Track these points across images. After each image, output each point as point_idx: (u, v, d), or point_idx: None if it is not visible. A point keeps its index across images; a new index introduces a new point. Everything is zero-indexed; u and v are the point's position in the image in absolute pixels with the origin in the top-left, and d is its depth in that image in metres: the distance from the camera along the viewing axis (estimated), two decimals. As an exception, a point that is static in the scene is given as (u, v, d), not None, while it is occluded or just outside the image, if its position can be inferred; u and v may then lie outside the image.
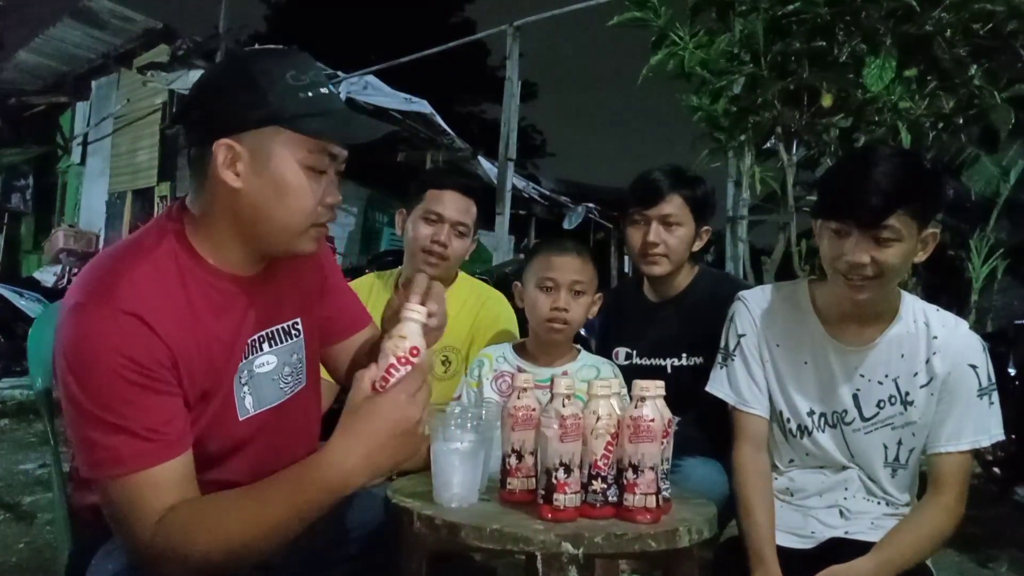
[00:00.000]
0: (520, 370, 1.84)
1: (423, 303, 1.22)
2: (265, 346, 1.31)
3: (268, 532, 1.10)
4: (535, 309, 1.82)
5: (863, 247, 1.50)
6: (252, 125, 1.16)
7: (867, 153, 1.55)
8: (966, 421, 1.60)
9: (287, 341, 1.36)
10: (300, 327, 1.39)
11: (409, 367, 1.14)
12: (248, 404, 1.28)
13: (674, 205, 2.04)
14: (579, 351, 1.90)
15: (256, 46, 10.23)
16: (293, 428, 1.38)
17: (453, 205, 2.09)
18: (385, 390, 1.13)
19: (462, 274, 2.26)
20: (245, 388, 1.28)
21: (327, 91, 1.21)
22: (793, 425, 1.69)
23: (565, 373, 1.83)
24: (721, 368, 1.76)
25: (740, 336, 1.73)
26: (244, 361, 1.27)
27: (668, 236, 2.04)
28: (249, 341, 1.28)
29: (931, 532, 1.57)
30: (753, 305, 1.74)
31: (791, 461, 1.73)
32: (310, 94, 1.18)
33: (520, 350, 1.89)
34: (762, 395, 1.71)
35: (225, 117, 1.17)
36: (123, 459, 1.09)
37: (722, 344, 1.77)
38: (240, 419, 1.27)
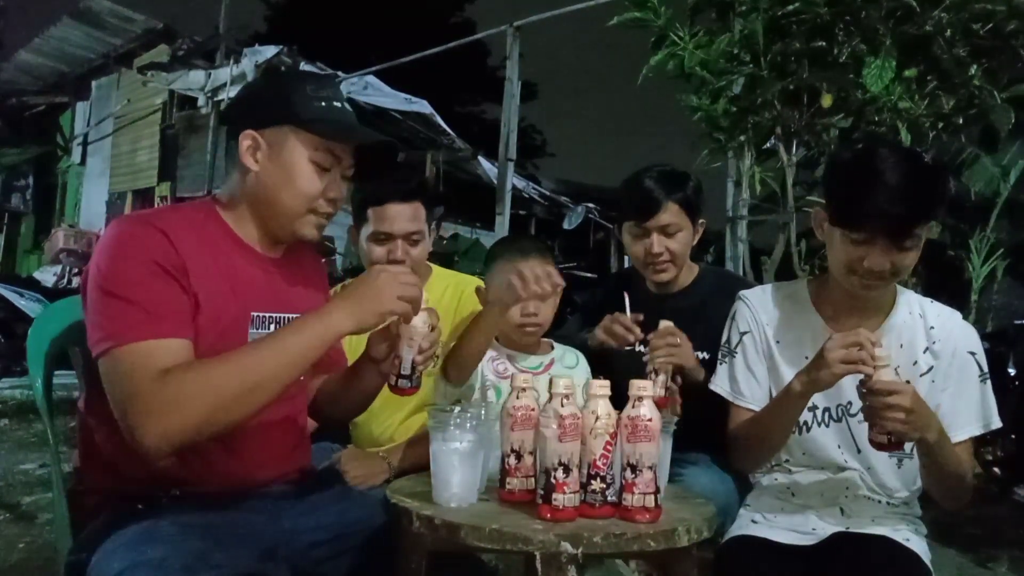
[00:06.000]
0: (510, 359, 1.91)
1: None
2: (273, 327, 1.44)
3: (256, 379, 1.24)
4: (505, 317, 1.84)
5: (884, 253, 1.52)
6: (273, 122, 1.42)
7: (874, 157, 1.53)
8: (973, 407, 1.63)
9: None
10: None
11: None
12: None
13: (671, 213, 2.04)
14: (550, 342, 1.97)
15: (257, 46, 10.27)
16: (283, 410, 1.48)
17: (398, 217, 2.02)
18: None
19: (435, 268, 2.23)
20: None
21: (340, 106, 1.46)
22: None
23: (553, 363, 1.92)
24: (721, 364, 1.79)
25: (743, 333, 1.76)
26: (255, 331, 1.42)
27: (670, 243, 2.05)
28: (257, 314, 1.43)
29: (961, 462, 1.57)
30: (754, 303, 1.77)
31: (786, 460, 1.73)
32: (323, 104, 1.43)
33: (499, 341, 1.94)
34: (760, 391, 1.73)
35: (254, 114, 1.44)
36: (126, 329, 1.23)
37: (724, 340, 1.80)
38: None
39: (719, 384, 1.77)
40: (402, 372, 1.43)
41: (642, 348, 2.10)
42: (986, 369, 1.64)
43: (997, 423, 1.63)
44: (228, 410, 1.22)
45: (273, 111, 1.42)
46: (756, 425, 1.68)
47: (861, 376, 1.46)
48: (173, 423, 1.19)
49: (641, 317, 1.92)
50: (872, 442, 1.47)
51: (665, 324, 1.85)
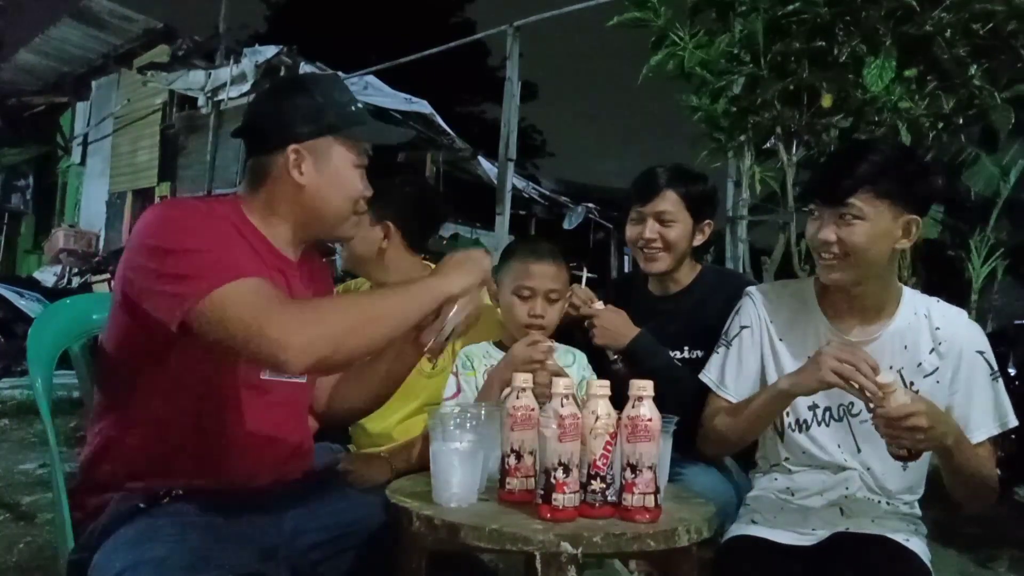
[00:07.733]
0: None
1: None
2: None
3: (378, 313, 1.29)
4: (512, 315, 1.86)
5: (828, 225, 1.57)
6: (317, 134, 1.44)
7: (852, 141, 1.60)
8: (988, 407, 1.63)
9: None
10: None
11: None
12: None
13: (669, 201, 2.06)
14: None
15: (257, 46, 10.27)
16: (289, 411, 1.50)
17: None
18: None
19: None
20: None
21: (361, 106, 1.52)
22: (791, 419, 1.70)
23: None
24: (716, 353, 1.80)
25: (743, 327, 1.77)
26: None
27: (664, 231, 2.07)
28: None
29: (982, 463, 1.59)
30: (760, 299, 1.78)
31: (786, 460, 1.73)
32: (353, 109, 1.49)
33: (500, 347, 1.93)
34: (745, 385, 1.74)
35: (296, 128, 1.43)
36: (217, 273, 1.21)
37: (724, 330, 1.82)
38: (261, 376, 1.42)
39: (708, 372, 1.79)
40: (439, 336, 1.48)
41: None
42: (996, 367, 1.64)
43: (1014, 421, 1.62)
44: (357, 333, 1.25)
45: (316, 123, 1.43)
46: (734, 414, 1.69)
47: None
48: (315, 332, 1.20)
49: (595, 298, 1.98)
50: (892, 455, 1.48)
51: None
